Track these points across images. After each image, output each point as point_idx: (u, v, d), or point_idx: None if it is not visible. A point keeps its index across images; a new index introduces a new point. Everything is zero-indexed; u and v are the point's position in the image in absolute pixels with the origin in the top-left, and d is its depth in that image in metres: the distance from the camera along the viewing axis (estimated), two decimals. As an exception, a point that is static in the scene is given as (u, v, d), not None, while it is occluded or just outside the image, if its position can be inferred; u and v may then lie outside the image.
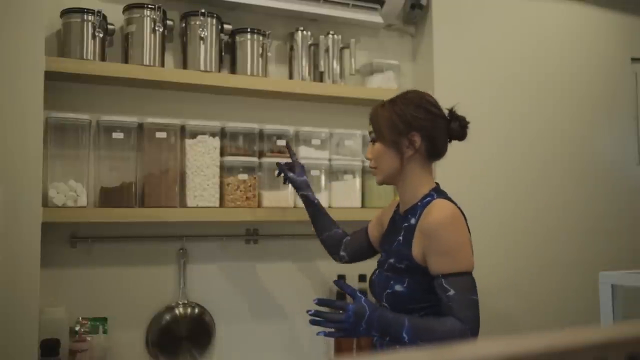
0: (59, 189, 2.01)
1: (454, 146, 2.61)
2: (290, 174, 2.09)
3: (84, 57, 2.08)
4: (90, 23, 2.09)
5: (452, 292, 1.49)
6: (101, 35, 2.12)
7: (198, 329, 2.24)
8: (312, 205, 2.08)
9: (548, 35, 2.92)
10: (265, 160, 2.30)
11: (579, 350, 0.48)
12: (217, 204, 2.21)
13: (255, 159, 2.29)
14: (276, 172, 2.15)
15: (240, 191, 2.24)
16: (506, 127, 2.76)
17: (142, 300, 2.22)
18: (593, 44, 3.03)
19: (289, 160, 2.15)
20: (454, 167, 2.62)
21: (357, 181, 2.47)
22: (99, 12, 2.10)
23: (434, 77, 2.61)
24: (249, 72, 2.33)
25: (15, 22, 1.92)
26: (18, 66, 1.91)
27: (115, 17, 2.19)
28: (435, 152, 1.70)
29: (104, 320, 2.09)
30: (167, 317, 2.21)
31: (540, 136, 2.84)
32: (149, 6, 2.17)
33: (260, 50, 2.35)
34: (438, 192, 1.68)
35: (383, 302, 1.64)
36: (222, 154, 2.25)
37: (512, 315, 2.65)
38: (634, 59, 3.12)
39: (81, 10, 2.09)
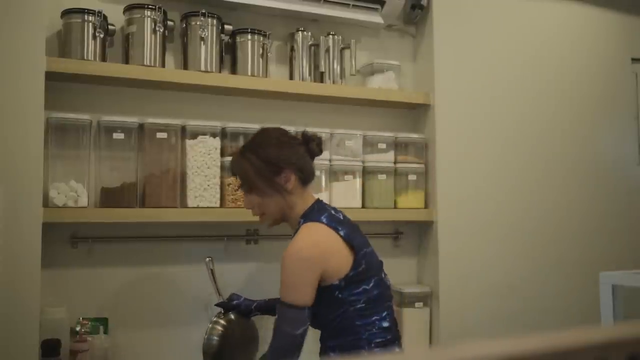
0: (60, 189, 2.01)
1: (454, 147, 2.63)
2: (235, 302, 2.05)
3: (85, 57, 2.08)
4: (90, 23, 2.09)
5: (276, 317, 1.72)
6: (102, 35, 2.12)
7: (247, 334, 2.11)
8: (269, 308, 2.04)
9: (548, 36, 2.92)
10: (265, 160, 2.30)
11: (579, 351, 0.49)
12: (218, 204, 2.21)
13: (255, 159, 2.29)
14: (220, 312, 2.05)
15: (241, 191, 2.24)
16: (507, 128, 2.76)
17: (143, 300, 2.23)
18: (593, 45, 3.03)
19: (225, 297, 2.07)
20: (456, 168, 2.62)
21: (358, 181, 2.47)
22: (99, 12, 2.10)
23: (434, 78, 2.61)
24: (249, 73, 2.33)
25: (16, 22, 1.92)
26: (19, 66, 1.91)
27: (116, 17, 2.19)
28: (307, 177, 1.81)
29: (104, 320, 2.09)
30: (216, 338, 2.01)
31: (541, 136, 2.84)
32: (150, 6, 2.17)
33: (261, 51, 2.35)
34: (306, 216, 1.78)
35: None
36: (222, 154, 2.25)
37: (513, 315, 2.65)
38: (634, 59, 3.12)
39: (82, 11, 2.09)
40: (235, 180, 2.24)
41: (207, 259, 2.08)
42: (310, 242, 1.70)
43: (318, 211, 1.78)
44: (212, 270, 2.07)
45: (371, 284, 1.72)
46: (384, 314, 1.73)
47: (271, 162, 1.74)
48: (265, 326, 2.15)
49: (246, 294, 2.38)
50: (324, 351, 1.76)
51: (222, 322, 2.01)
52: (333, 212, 1.81)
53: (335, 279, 1.68)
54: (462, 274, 2.58)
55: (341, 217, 1.81)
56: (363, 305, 1.70)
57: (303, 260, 1.67)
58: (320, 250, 1.69)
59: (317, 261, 1.67)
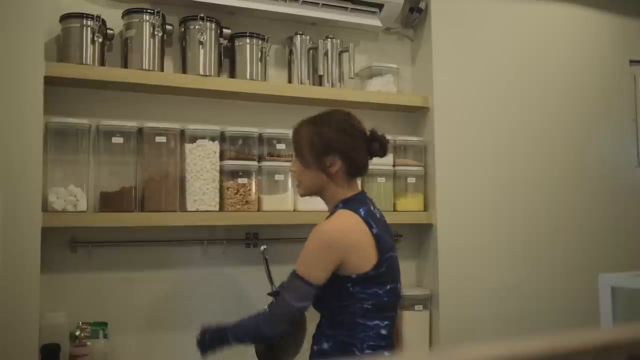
0: (59, 193, 2.01)
1: (454, 150, 2.63)
2: None
3: (84, 62, 2.09)
4: (89, 28, 2.10)
5: (284, 281, 1.74)
6: (100, 40, 2.13)
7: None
8: None
9: (547, 38, 2.93)
10: (264, 164, 2.31)
11: (579, 352, 0.49)
12: (217, 208, 2.21)
13: (254, 163, 2.29)
14: None
15: (240, 195, 2.24)
16: (505, 130, 2.76)
17: (143, 304, 2.22)
18: (592, 47, 3.04)
19: None
20: (455, 171, 2.62)
21: (357, 184, 2.47)
22: (98, 17, 2.10)
23: (432, 81, 2.62)
24: (248, 76, 2.34)
25: (15, 27, 1.92)
26: (18, 71, 1.91)
27: (115, 21, 2.20)
28: (355, 170, 1.78)
29: (104, 324, 2.09)
30: None
31: (540, 139, 2.84)
32: (148, 11, 2.18)
33: (260, 54, 2.36)
34: (347, 202, 1.75)
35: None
36: (221, 158, 2.25)
37: (512, 317, 2.65)
38: (632, 61, 3.12)
39: (80, 15, 2.09)
40: (236, 182, 2.23)
41: (263, 247, 2.08)
42: (339, 228, 1.69)
43: (359, 202, 1.76)
44: (266, 259, 2.06)
45: (384, 290, 1.70)
46: (385, 322, 1.72)
47: (325, 141, 1.73)
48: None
49: (245, 297, 2.39)
50: (318, 338, 1.75)
51: None
52: (372, 207, 1.78)
53: (352, 273, 1.66)
54: (461, 277, 2.58)
55: (377, 215, 1.78)
56: (369, 307, 1.68)
57: (325, 244, 1.66)
58: (346, 240, 1.68)
59: (339, 249, 1.66)
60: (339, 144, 1.73)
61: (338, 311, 1.70)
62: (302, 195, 1.85)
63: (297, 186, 1.85)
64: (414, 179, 2.59)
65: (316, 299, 1.69)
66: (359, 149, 1.76)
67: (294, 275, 1.67)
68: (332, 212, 1.77)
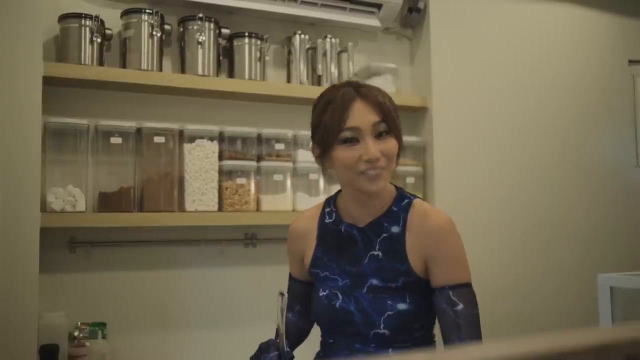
0: (58, 194, 2.01)
1: (452, 150, 2.63)
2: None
3: (82, 62, 2.08)
4: (88, 28, 2.09)
5: (460, 307, 1.32)
6: (99, 40, 2.12)
7: None
8: None
9: (546, 38, 2.93)
10: (263, 164, 2.30)
11: (577, 352, 0.49)
12: (216, 208, 2.21)
13: (253, 163, 2.29)
14: None
15: (239, 195, 2.24)
16: (504, 130, 2.76)
17: (142, 305, 2.22)
18: (591, 47, 3.04)
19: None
20: (453, 170, 2.62)
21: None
22: (96, 17, 2.10)
23: (431, 80, 2.62)
24: (247, 76, 2.33)
25: (14, 27, 1.92)
26: (16, 72, 1.91)
27: (113, 21, 2.19)
28: None
29: (103, 325, 2.09)
30: None
31: (539, 139, 2.84)
32: (147, 11, 2.18)
33: (258, 54, 2.36)
34: (405, 192, 1.50)
35: (379, 330, 1.35)
36: (220, 158, 2.25)
37: (511, 318, 2.65)
38: (631, 61, 3.12)
39: (79, 15, 2.09)
40: (235, 182, 2.23)
41: (280, 294, 1.46)
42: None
43: None
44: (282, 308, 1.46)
45: None
46: None
47: None
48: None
49: (245, 297, 2.39)
50: None
51: None
52: None
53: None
54: (460, 277, 2.58)
55: None
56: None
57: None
58: None
59: None
60: None
61: (422, 330, 1.40)
62: (381, 188, 1.41)
63: (380, 177, 1.39)
64: (413, 179, 2.59)
65: (410, 316, 1.36)
66: None
67: (467, 286, 1.35)
68: (394, 206, 1.46)
